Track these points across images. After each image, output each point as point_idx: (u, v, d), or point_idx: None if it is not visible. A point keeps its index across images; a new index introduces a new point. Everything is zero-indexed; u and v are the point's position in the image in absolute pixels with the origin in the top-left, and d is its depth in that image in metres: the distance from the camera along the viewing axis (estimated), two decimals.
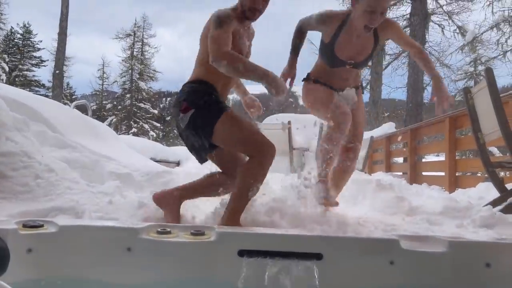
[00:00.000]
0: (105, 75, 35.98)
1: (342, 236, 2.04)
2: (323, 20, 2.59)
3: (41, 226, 1.80)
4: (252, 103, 2.78)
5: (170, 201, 2.45)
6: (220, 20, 2.22)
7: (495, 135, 3.17)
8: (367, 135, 9.32)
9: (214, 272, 1.85)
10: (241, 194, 2.31)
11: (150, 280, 1.77)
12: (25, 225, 1.80)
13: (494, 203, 3.12)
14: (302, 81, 2.92)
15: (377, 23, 2.46)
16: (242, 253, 1.88)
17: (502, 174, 4.12)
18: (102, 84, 36.35)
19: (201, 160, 2.51)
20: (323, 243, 1.92)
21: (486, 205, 3.06)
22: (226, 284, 1.82)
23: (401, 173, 8.14)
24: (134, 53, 34.50)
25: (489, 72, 3.13)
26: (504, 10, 15.34)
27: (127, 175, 3.16)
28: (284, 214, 2.71)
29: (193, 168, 5.54)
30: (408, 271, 1.82)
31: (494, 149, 9.23)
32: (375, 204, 3.51)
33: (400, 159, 9.88)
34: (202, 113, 2.27)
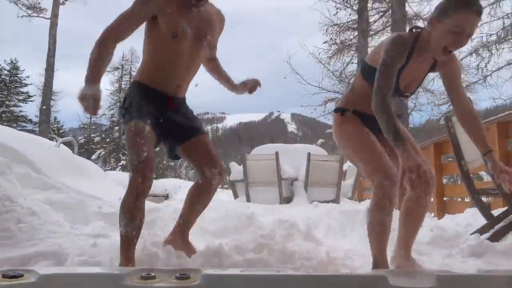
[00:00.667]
0: None
1: (330, 275, 2.01)
2: (404, 50, 2.07)
3: (21, 276, 1.75)
4: (245, 83, 2.57)
5: (178, 240, 2.48)
6: None
7: (478, 162, 3.22)
8: None
9: None
10: None
11: None
12: (5, 275, 1.74)
13: (482, 230, 3.14)
14: (334, 111, 2.37)
15: (461, 46, 2.06)
16: None
17: (489, 199, 4.15)
18: (90, 118, 36.24)
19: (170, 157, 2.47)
20: (311, 283, 1.90)
21: (474, 233, 3.07)
22: None
23: None
24: (122, 86, 34.70)
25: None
26: (482, 36, 15.91)
27: (112, 215, 3.11)
28: (272, 250, 2.68)
29: (181, 202, 5.49)
30: None
31: (482, 173, 9.33)
32: (364, 236, 3.48)
33: None
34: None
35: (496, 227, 3.06)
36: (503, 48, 15.79)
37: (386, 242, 2.19)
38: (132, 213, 2.07)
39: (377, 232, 2.15)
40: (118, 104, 33.83)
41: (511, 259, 2.51)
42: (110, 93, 34.59)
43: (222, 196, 9.86)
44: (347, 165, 10.32)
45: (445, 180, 6.29)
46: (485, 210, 3.47)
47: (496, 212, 3.42)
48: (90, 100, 1.87)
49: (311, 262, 2.53)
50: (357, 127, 2.22)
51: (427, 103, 15.85)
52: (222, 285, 1.87)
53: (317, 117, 18.93)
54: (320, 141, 19.37)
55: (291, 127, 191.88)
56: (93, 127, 36.58)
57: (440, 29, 2.00)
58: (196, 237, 3.33)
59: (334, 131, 2.35)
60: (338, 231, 3.81)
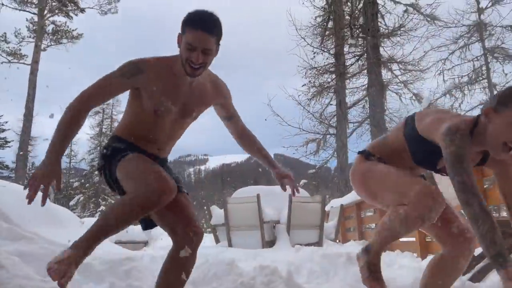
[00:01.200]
0: (72, 153, 35.42)
1: None
2: (467, 143, 1.76)
3: None
4: (283, 174, 2.20)
5: None
6: (121, 67, 1.88)
7: (455, 202, 3.25)
8: (337, 202, 9.39)
9: None
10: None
11: None
12: None
13: (464, 271, 3.12)
14: (359, 153, 2.22)
15: None
16: None
17: None
18: (70, 162, 35.66)
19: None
20: None
21: None
22: None
23: None
24: (103, 129, 34.47)
25: None
26: (454, 78, 16.60)
27: (85, 266, 2.98)
28: None
29: (161, 250, 5.33)
30: None
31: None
32: (347, 279, 3.43)
33: (373, 225, 9.89)
34: (108, 163, 1.95)
35: (476, 267, 3.05)
36: (474, 89, 16.52)
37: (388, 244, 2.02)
38: (125, 217, 1.70)
39: (391, 235, 1.88)
40: (99, 148, 33.48)
41: None
42: (91, 137, 34.29)
43: (203, 241, 9.64)
44: (330, 205, 10.30)
45: None
46: None
47: (477, 251, 3.42)
48: (44, 181, 1.74)
49: None
50: (382, 163, 2.07)
51: None
52: None
53: (299, 157, 19.08)
54: (303, 181, 19.39)
55: None
56: (72, 172, 35.90)
57: (500, 122, 1.72)
58: None
59: (354, 170, 2.17)
60: (320, 275, 3.73)
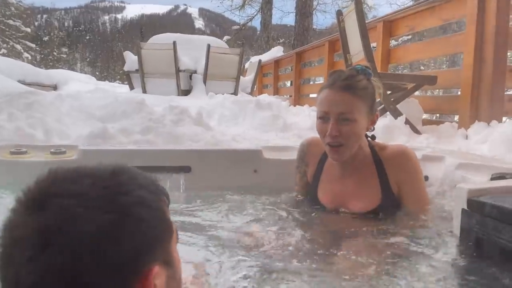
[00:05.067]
0: None
1: (209, 149, 2.11)
2: None
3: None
4: None
5: None
6: None
7: (360, 55, 3.44)
8: (256, 59, 9.46)
9: None
10: None
11: None
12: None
13: None
14: None
15: None
16: None
17: None
18: None
19: None
20: (192, 156, 1.98)
21: None
22: None
23: (288, 96, 8.55)
24: None
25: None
26: None
27: None
28: (159, 133, 2.70)
29: (73, 92, 5.10)
30: (269, 177, 1.98)
31: None
32: (254, 123, 3.67)
33: (288, 83, 10.31)
34: None
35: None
36: None
37: None
38: None
39: None
40: None
41: None
42: None
43: (118, 90, 9.41)
44: (249, 61, 10.38)
45: None
46: None
47: None
48: None
49: (198, 143, 2.61)
50: None
51: (330, 1, 16.11)
52: (96, 159, 1.87)
53: (223, 12, 18.25)
54: (226, 37, 18.95)
55: (199, 23, 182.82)
56: None
57: None
58: (82, 122, 3.21)
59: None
60: (230, 119, 3.93)
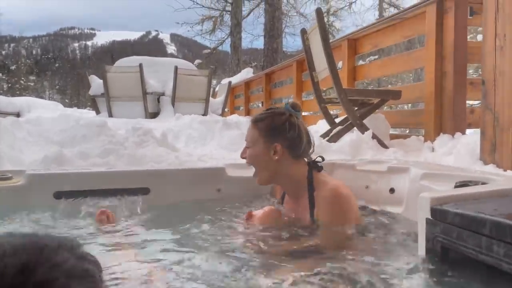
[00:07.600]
0: None
1: (168, 169, 2.02)
2: None
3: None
4: None
5: None
6: None
7: (325, 73, 3.45)
8: (226, 80, 9.46)
9: (29, 217, 1.68)
10: None
11: None
12: None
13: (325, 135, 3.47)
14: None
15: None
16: (59, 195, 1.73)
17: (335, 111, 4.55)
18: None
19: None
20: (150, 177, 1.88)
21: (320, 136, 3.37)
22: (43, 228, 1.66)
23: None
24: None
25: (319, 13, 3.34)
26: None
27: None
28: (120, 155, 2.59)
29: (33, 117, 4.91)
30: (234, 195, 1.90)
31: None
32: (222, 142, 3.60)
33: (260, 103, 10.33)
34: None
35: (334, 131, 3.41)
36: None
37: None
38: None
39: None
40: None
41: (342, 155, 2.83)
42: None
43: (85, 116, 9.17)
44: (219, 83, 10.37)
45: (304, 95, 6.75)
46: (329, 117, 3.83)
47: (339, 121, 3.79)
48: None
49: (160, 164, 2.51)
50: None
51: (299, 24, 16.46)
52: (45, 184, 1.75)
53: (193, 36, 18.33)
54: (197, 61, 18.98)
55: (171, 49, 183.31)
56: None
57: None
58: (39, 147, 3.05)
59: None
60: (198, 140, 3.85)
